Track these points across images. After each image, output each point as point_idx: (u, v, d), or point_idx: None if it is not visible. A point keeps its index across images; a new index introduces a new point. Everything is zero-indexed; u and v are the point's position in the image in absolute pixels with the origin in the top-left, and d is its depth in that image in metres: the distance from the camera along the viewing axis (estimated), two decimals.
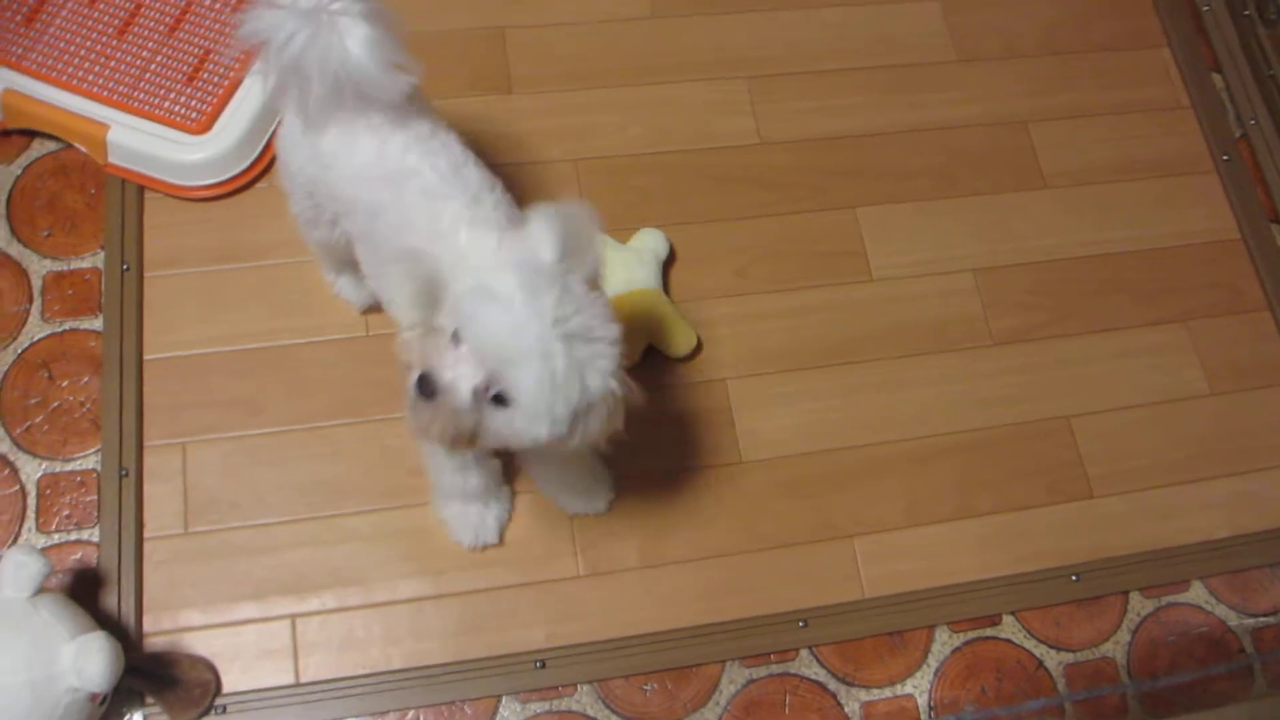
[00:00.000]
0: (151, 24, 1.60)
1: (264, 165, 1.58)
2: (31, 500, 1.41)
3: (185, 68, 1.57)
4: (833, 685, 1.42)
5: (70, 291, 1.51)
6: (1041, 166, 1.77)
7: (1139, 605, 1.52)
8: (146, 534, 1.40)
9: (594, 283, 1.03)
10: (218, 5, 1.61)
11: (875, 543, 1.50)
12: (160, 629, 1.36)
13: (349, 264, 1.43)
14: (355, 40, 1.06)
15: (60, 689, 1.16)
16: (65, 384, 1.46)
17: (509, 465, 1.43)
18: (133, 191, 1.56)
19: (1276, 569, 1.56)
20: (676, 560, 1.45)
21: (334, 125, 1.14)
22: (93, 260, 1.53)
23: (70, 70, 1.55)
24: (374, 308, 1.51)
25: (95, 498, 1.41)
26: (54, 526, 1.40)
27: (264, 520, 1.42)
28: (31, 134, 1.58)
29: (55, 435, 1.44)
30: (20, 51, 1.56)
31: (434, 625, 1.39)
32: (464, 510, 1.39)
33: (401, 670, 1.36)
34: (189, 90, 1.56)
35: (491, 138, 1.65)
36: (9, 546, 1.38)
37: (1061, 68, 1.86)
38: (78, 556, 1.38)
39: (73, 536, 1.39)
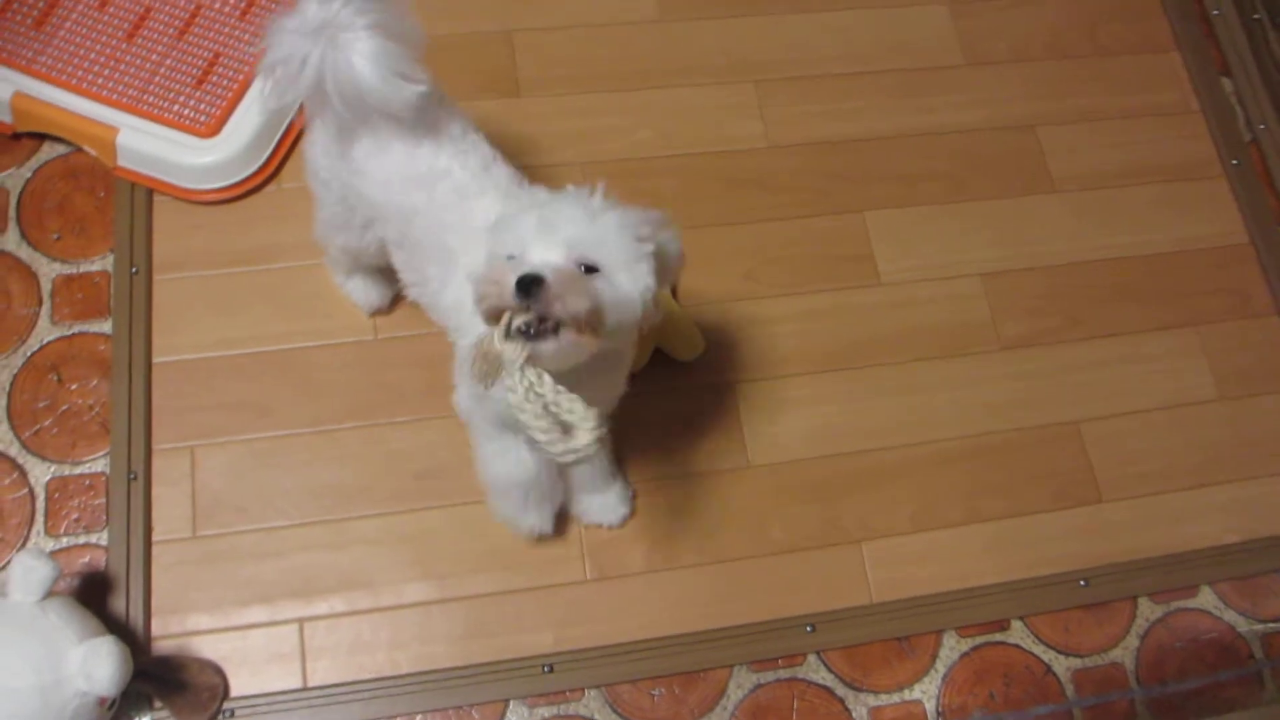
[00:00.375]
0: (161, 27, 1.60)
1: (273, 169, 1.58)
2: (40, 503, 1.41)
3: (194, 71, 1.57)
4: (840, 690, 1.42)
5: (79, 294, 1.51)
6: (1050, 171, 1.77)
7: (1148, 610, 1.51)
8: (155, 537, 1.40)
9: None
10: (226, 9, 1.62)
11: (883, 548, 1.49)
12: (168, 632, 1.36)
13: (364, 268, 1.44)
14: (360, 55, 1.07)
15: (69, 693, 1.16)
16: (74, 387, 1.46)
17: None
18: (142, 195, 1.56)
19: None
20: (684, 565, 1.45)
21: (365, 132, 1.15)
22: (102, 263, 1.53)
23: (80, 73, 1.56)
24: (382, 310, 1.52)
25: (104, 501, 1.41)
26: (62, 530, 1.40)
27: (272, 524, 1.42)
28: (41, 137, 1.59)
29: (64, 438, 1.44)
30: (30, 55, 1.56)
31: (441, 629, 1.39)
32: (520, 502, 1.36)
33: (409, 674, 1.36)
34: (198, 94, 1.56)
35: (500, 140, 1.63)
36: (18, 550, 1.38)
37: (1070, 72, 1.86)
38: (86, 560, 1.39)
39: (81, 540, 1.40)
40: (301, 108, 1.25)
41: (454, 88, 1.65)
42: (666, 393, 1.52)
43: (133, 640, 1.33)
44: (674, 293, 1.56)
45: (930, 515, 1.52)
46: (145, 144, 1.53)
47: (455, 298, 1.14)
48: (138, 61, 1.57)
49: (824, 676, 1.43)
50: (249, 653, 1.36)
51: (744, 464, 1.51)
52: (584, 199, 1.02)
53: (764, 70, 1.77)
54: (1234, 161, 1.81)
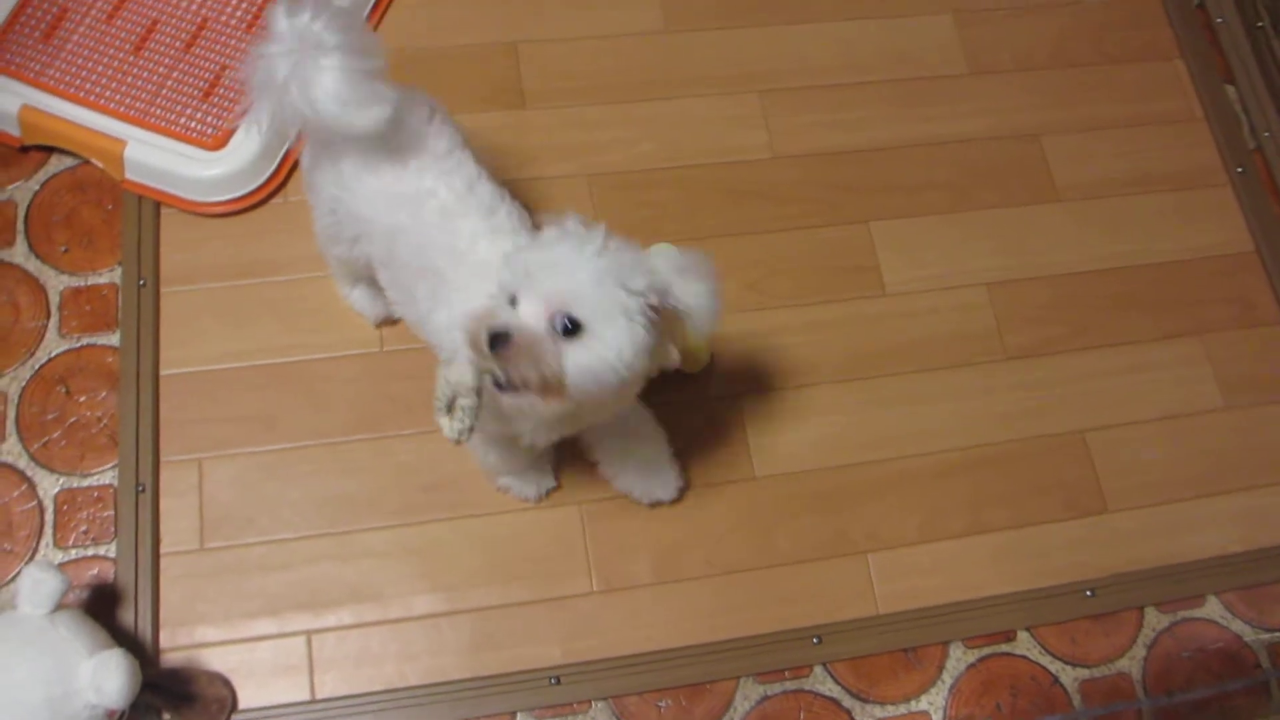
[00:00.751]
0: (168, 40, 1.61)
1: (280, 181, 1.59)
2: (49, 516, 1.41)
3: (201, 83, 1.58)
4: (847, 702, 1.42)
5: (87, 307, 1.52)
6: (1054, 179, 1.77)
7: (1154, 620, 1.51)
8: (163, 549, 1.40)
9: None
10: (233, 22, 1.62)
11: (889, 558, 1.49)
12: (176, 645, 1.37)
13: (365, 279, 1.44)
14: (326, 80, 1.07)
15: (78, 705, 1.17)
16: (82, 399, 1.47)
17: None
18: (149, 207, 1.57)
19: None
20: (690, 576, 1.45)
21: (352, 149, 1.15)
22: (110, 276, 1.54)
23: (88, 86, 1.56)
24: (388, 321, 1.52)
25: (112, 513, 1.42)
26: (71, 542, 1.40)
27: (279, 536, 1.42)
28: (49, 150, 1.59)
29: (73, 451, 1.44)
30: (38, 68, 1.57)
31: (449, 641, 1.39)
32: (520, 477, 1.42)
33: (417, 686, 1.37)
34: (205, 106, 1.57)
35: (505, 152, 1.66)
36: (27, 562, 1.38)
37: (1074, 80, 1.86)
38: (95, 572, 1.39)
39: (90, 552, 1.40)
40: None
41: (459, 99, 1.68)
42: (672, 405, 1.52)
43: (141, 652, 1.33)
44: None
45: (936, 526, 1.52)
46: (153, 157, 1.54)
47: (448, 319, 1.14)
48: (145, 74, 1.58)
49: (831, 688, 1.43)
50: (257, 665, 1.36)
51: (750, 475, 1.52)
52: (580, 241, 1.00)
53: (768, 81, 1.78)
54: (1239, 169, 1.81)
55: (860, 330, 1.62)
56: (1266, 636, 1.53)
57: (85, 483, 1.43)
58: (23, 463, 1.43)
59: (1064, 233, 1.74)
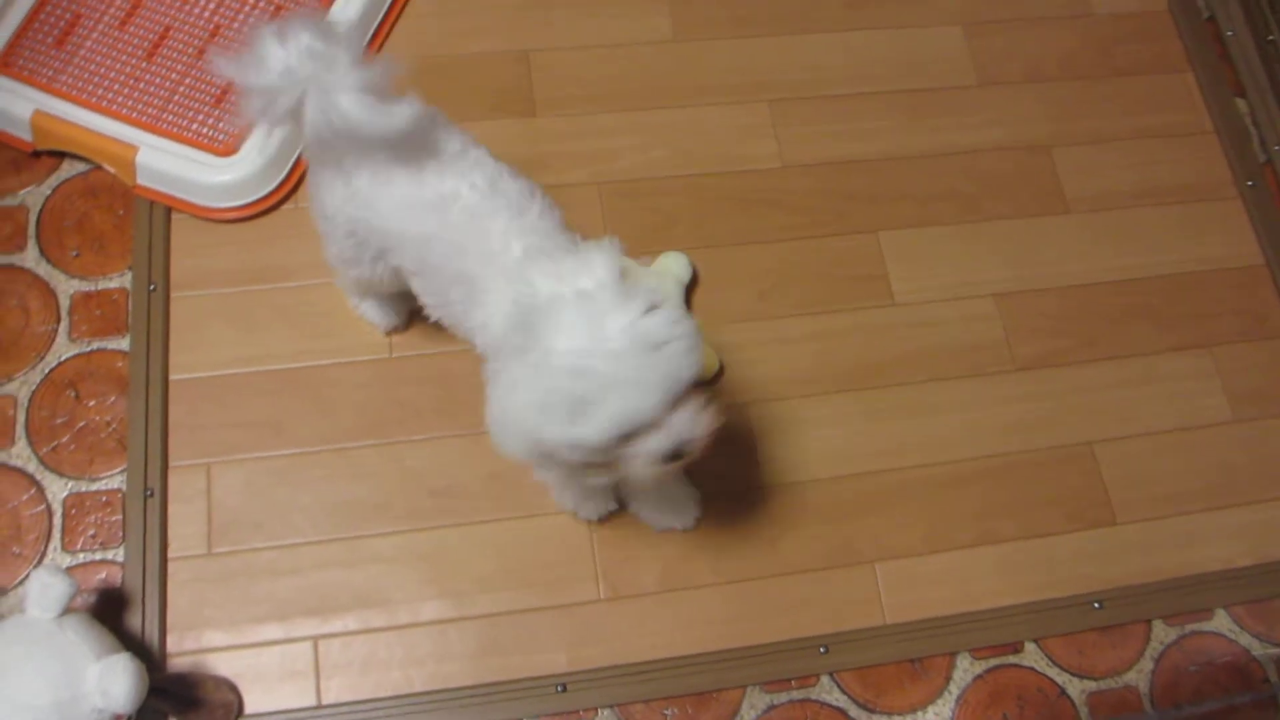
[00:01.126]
0: (180, 46, 1.61)
1: (290, 187, 1.60)
2: (57, 520, 1.42)
3: (213, 90, 1.59)
4: (854, 711, 1.42)
5: (98, 311, 1.52)
6: (1064, 191, 1.77)
7: (1162, 633, 1.51)
8: (171, 554, 1.41)
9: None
10: (246, 28, 1.63)
11: (897, 568, 1.49)
12: (184, 649, 1.37)
13: (378, 294, 1.44)
14: (347, 91, 1.07)
15: (85, 709, 1.17)
16: (92, 404, 1.47)
17: None
18: (160, 212, 1.57)
19: None
20: (698, 584, 1.45)
21: (364, 163, 1.15)
22: (120, 280, 1.54)
23: (100, 92, 1.57)
24: (398, 329, 1.52)
25: (120, 518, 1.42)
26: (79, 546, 1.41)
27: (287, 541, 1.42)
28: (61, 155, 1.60)
29: (81, 455, 1.45)
30: (51, 73, 1.58)
31: (456, 648, 1.39)
32: (589, 499, 1.42)
33: (423, 693, 1.37)
34: (217, 112, 1.57)
35: (515, 160, 1.64)
36: (35, 566, 1.39)
37: (1084, 92, 1.86)
38: (102, 576, 1.39)
39: (98, 556, 1.40)
40: None
41: (470, 107, 1.69)
42: None
43: (148, 657, 1.33)
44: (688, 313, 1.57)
45: (944, 536, 1.52)
46: (164, 162, 1.54)
47: (484, 318, 1.14)
48: (157, 80, 1.59)
49: (837, 698, 1.42)
50: (263, 670, 1.36)
51: (758, 484, 1.52)
52: (643, 342, 1.04)
53: (778, 90, 1.78)
54: (1249, 183, 1.81)
55: (869, 340, 1.62)
56: (1275, 650, 1.52)
57: (94, 487, 1.44)
58: (32, 466, 1.44)
59: (1073, 244, 1.74)
